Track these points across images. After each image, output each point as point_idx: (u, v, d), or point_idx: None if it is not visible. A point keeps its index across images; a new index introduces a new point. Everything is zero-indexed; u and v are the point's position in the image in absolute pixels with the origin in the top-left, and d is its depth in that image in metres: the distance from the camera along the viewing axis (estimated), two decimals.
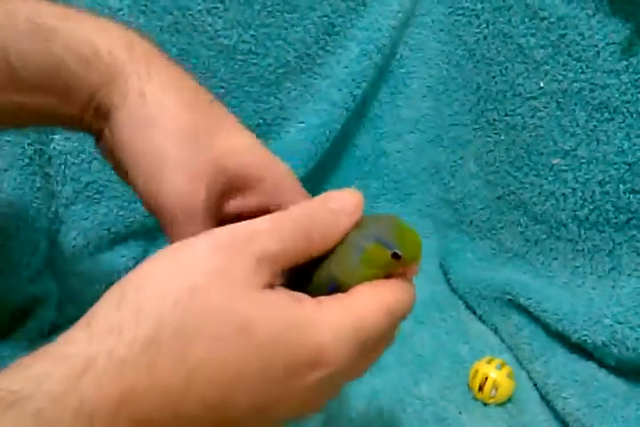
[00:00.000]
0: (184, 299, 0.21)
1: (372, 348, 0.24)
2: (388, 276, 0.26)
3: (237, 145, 0.29)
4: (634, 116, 0.46)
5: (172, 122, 0.27)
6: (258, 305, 0.22)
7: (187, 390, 0.21)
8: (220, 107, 0.30)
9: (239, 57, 0.55)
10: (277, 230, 0.23)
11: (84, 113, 0.28)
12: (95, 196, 0.52)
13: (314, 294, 0.25)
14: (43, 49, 0.27)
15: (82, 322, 0.21)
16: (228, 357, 0.21)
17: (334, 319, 0.23)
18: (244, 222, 0.23)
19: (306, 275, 0.27)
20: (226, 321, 0.21)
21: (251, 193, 0.29)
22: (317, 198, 0.26)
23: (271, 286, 0.23)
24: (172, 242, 0.28)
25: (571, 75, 0.48)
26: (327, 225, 0.25)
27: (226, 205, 0.29)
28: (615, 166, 0.48)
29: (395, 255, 0.26)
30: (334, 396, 0.25)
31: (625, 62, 0.46)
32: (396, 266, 0.26)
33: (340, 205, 0.25)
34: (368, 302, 0.24)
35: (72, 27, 0.28)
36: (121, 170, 0.29)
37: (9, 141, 0.46)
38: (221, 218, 0.29)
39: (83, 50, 0.27)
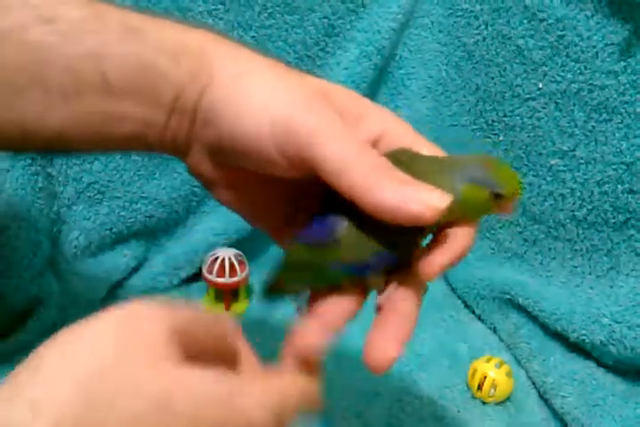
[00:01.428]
0: (92, 381, 0.19)
1: (282, 423, 0.24)
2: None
3: (333, 87, 0.28)
4: (632, 116, 0.46)
5: (268, 68, 0.27)
6: (177, 379, 0.20)
7: None
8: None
9: None
10: (188, 308, 0.23)
11: (172, 116, 0.27)
12: (97, 196, 0.52)
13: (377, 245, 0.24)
14: (134, 51, 0.26)
15: None
16: None
17: (260, 394, 0.22)
18: (145, 301, 0.22)
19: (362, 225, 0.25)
20: (143, 397, 0.19)
21: (360, 129, 0.27)
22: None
23: (189, 361, 0.21)
24: (355, 197, 0.24)
25: (569, 76, 0.49)
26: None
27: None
28: (613, 167, 0.48)
29: (496, 195, 0.25)
30: None
31: (623, 63, 0.46)
32: (496, 206, 0.25)
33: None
34: (291, 386, 0.24)
35: (160, 28, 0.27)
36: (223, 165, 0.28)
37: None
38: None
39: (172, 47, 0.27)
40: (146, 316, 0.21)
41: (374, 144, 0.27)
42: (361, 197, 0.24)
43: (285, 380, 0.24)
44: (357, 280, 0.26)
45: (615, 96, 0.47)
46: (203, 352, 0.23)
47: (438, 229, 0.26)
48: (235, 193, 0.29)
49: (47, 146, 0.28)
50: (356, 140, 0.25)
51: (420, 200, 0.23)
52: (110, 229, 0.53)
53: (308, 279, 0.27)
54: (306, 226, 0.26)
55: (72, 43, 0.26)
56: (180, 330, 0.21)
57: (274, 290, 0.28)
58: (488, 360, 0.47)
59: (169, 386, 0.20)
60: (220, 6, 0.53)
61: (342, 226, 0.25)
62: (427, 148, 0.28)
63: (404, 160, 0.26)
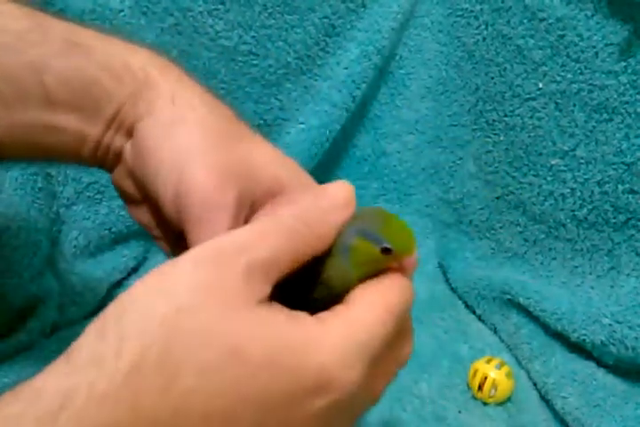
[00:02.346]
0: (168, 323, 0.19)
1: (385, 360, 0.23)
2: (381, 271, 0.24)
3: (266, 156, 0.28)
4: (632, 116, 0.46)
5: (199, 123, 0.27)
6: (250, 325, 0.20)
7: (175, 423, 0.19)
8: (243, 121, 0.29)
9: (240, 58, 0.55)
10: (266, 237, 0.22)
11: (107, 131, 0.28)
12: (96, 196, 0.52)
13: (307, 307, 0.23)
14: (77, 66, 0.26)
15: (64, 354, 0.20)
16: (220, 385, 0.19)
17: (338, 338, 0.21)
18: (229, 232, 0.22)
19: (295, 287, 0.24)
20: (215, 345, 0.19)
21: (276, 205, 0.27)
22: (307, 196, 0.25)
23: (265, 301, 0.21)
24: (189, 246, 0.26)
25: (569, 76, 0.49)
26: (319, 224, 0.23)
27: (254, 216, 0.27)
28: (614, 167, 0.48)
29: (385, 250, 0.23)
30: (351, 423, 0.23)
31: (623, 63, 0.46)
32: (388, 262, 0.24)
33: (331, 201, 0.24)
34: (368, 309, 0.22)
35: (106, 46, 0.28)
36: (139, 189, 0.28)
37: None
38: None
39: (116, 66, 0.27)
40: (223, 257, 0.21)
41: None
42: None
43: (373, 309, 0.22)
44: None
45: (615, 96, 0.47)
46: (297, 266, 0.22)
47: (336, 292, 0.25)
48: (146, 213, 0.30)
49: None
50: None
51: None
52: (109, 229, 0.53)
53: None
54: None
55: (13, 53, 0.26)
56: (262, 260, 0.21)
57: None
58: (488, 361, 0.47)
59: (242, 334, 0.20)
60: (220, 6, 0.53)
61: None
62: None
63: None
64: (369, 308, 0.22)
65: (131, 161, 0.28)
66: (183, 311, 0.19)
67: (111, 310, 0.20)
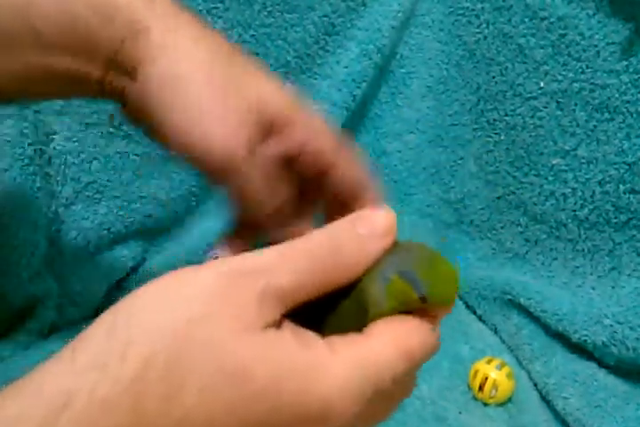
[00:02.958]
0: (178, 331, 0.19)
1: (388, 396, 0.22)
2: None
3: (267, 90, 0.28)
4: (634, 116, 0.46)
5: (202, 72, 0.26)
6: (258, 347, 0.19)
7: None
8: (243, 55, 0.29)
9: None
10: (292, 261, 0.21)
11: (108, 73, 0.27)
12: (95, 196, 0.52)
13: (332, 329, 0.22)
14: (63, 8, 0.26)
15: (68, 349, 0.19)
16: (223, 405, 0.19)
17: (347, 368, 0.20)
18: (256, 251, 0.21)
19: (323, 308, 0.23)
20: (222, 362, 0.19)
21: (283, 138, 0.27)
22: (344, 220, 0.23)
23: (277, 325, 0.20)
24: (229, 191, 0.26)
25: (571, 75, 0.48)
26: (353, 254, 0.22)
27: (263, 150, 0.27)
28: (615, 166, 0.48)
29: (422, 298, 0.22)
30: None
31: (625, 62, 0.46)
32: (423, 307, 0.22)
33: (371, 229, 0.22)
34: (386, 346, 0.21)
35: None
36: (153, 131, 0.27)
37: (9, 141, 0.46)
38: (261, 164, 0.27)
39: (102, 6, 0.26)
40: (246, 275, 0.20)
41: (296, 152, 0.28)
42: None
43: (387, 346, 0.21)
44: None
45: (617, 95, 0.47)
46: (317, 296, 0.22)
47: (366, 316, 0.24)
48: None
49: None
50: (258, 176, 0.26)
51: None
52: (108, 229, 0.53)
53: None
54: None
55: None
56: (281, 287, 0.20)
57: None
58: (489, 361, 0.47)
59: (249, 355, 0.19)
60: (219, 5, 0.52)
61: None
62: (348, 162, 0.29)
63: None
64: (387, 346, 0.21)
65: (139, 104, 0.27)
66: (195, 322, 0.19)
67: (122, 307, 0.20)
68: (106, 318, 0.20)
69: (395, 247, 0.23)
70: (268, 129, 0.27)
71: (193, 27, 0.27)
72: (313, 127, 0.28)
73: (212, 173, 0.26)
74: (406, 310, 0.23)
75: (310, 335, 0.21)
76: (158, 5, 0.27)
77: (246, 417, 0.19)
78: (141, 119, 0.28)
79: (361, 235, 0.22)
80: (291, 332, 0.21)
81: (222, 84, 0.26)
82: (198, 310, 0.19)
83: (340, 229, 0.22)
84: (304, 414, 0.20)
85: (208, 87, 0.26)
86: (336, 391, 0.20)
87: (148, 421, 0.18)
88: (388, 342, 0.21)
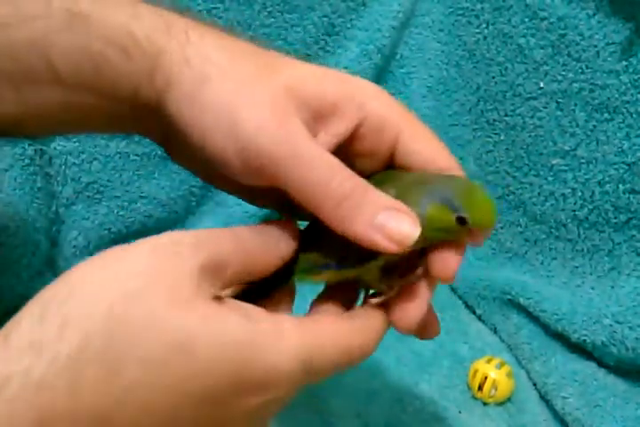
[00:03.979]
0: (116, 309, 0.19)
1: (314, 379, 0.23)
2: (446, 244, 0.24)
3: (300, 74, 0.25)
4: (634, 116, 0.46)
5: (224, 74, 0.24)
6: (202, 320, 0.19)
7: (116, 415, 0.18)
8: (276, 52, 0.27)
9: None
10: (230, 238, 0.22)
11: (135, 110, 0.26)
12: (96, 196, 0.52)
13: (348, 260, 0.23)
14: (82, 43, 0.24)
15: (1, 336, 0.19)
16: (163, 379, 0.19)
17: (293, 343, 0.21)
18: (193, 230, 0.21)
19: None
20: (162, 337, 0.19)
21: (335, 121, 0.25)
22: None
23: (218, 299, 0.21)
24: (289, 188, 0.24)
25: (571, 75, 0.48)
26: (267, 245, 0.23)
27: (321, 135, 0.25)
28: (615, 166, 0.48)
29: (460, 220, 0.23)
30: (273, 415, 0.23)
31: (625, 62, 0.46)
32: (460, 232, 0.23)
33: (278, 232, 0.24)
34: (331, 337, 0.22)
35: (106, 14, 0.25)
36: (197, 157, 0.26)
37: (9, 142, 0.46)
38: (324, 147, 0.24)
39: (121, 39, 0.24)
40: (178, 247, 0.20)
41: (356, 129, 0.26)
42: (331, 226, 0.23)
43: (332, 327, 0.23)
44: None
45: (617, 95, 0.47)
46: (240, 281, 0.22)
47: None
48: (218, 178, 0.28)
49: (5, 131, 0.27)
50: (327, 163, 0.23)
51: (388, 235, 0.23)
52: (109, 229, 0.53)
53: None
54: None
55: (14, 28, 0.24)
56: (217, 262, 0.21)
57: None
58: (489, 361, 0.47)
59: (190, 328, 0.19)
60: (219, 5, 0.52)
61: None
62: (415, 128, 0.27)
63: (385, 180, 0.25)
64: (331, 341, 0.22)
65: (175, 133, 0.26)
66: (131, 298, 0.19)
67: (53, 291, 0.20)
68: (38, 301, 0.19)
69: (432, 178, 0.24)
70: (317, 112, 0.25)
71: (215, 36, 0.26)
72: (368, 96, 0.26)
73: (269, 173, 0.24)
74: (447, 238, 0.23)
75: (256, 310, 0.21)
76: (175, 31, 0.26)
77: (188, 389, 0.19)
78: (184, 147, 0.26)
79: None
80: (233, 306, 0.21)
81: (250, 78, 0.24)
82: (134, 285, 0.19)
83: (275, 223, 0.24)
84: (246, 388, 0.20)
85: (235, 84, 0.24)
86: (284, 363, 0.20)
87: (87, 399, 0.18)
88: (334, 336, 0.22)
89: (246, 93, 0.24)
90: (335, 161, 0.24)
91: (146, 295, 0.19)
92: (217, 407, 0.20)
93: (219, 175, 0.27)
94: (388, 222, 0.23)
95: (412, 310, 0.25)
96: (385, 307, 0.25)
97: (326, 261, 0.25)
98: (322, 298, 0.28)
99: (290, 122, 0.24)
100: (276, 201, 0.28)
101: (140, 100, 0.25)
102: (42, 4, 0.24)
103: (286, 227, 0.24)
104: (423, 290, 0.25)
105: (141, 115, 0.26)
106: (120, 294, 0.19)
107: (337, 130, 0.25)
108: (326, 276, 0.26)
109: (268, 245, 0.23)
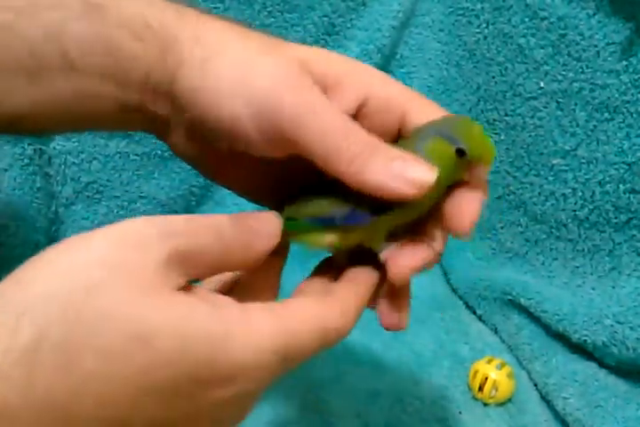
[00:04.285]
0: (75, 299, 0.18)
1: (289, 365, 0.22)
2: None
3: (307, 52, 0.26)
4: (634, 116, 0.46)
5: (239, 44, 0.25)
6: (164, 311, 0.19)
7: (74, 407, 0.18)
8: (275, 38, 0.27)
9: None
10: (211, 226, 0.21)
11: (144, 97, 0.26)
12: (95, 196, 0.52)
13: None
14: (96, 30, 0.25)
15: None
16: (123, 372, 0.18)
17: (259, 337, 0.20)
18: (158, 217, 0.21)
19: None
20: (122, 328, 0.18)
21: (338, 98, 0.25)
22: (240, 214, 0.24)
23: (186, 289, 0.20)
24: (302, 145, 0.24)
25: (571, 75, 0.48)
26: (247, 239, 0.22)
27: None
28: (615, 166, 0.48)
29: (459, 151, 0.23)
30: (253, 406, 0.22)
31: (625, 62, 0.46)
32: (460, 166, 0.24)
33: (261, 227, 0.23)
34: (304, 323, 0.21)
35: (121, 4, 0.25)
36: (206, 141, 0.26)
37: (9, 141, 0.46)
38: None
39: (135, 25, 0.25)
40: (144, 236, 0.20)
41: (359, 108, 0.26)
42: (348, 180, 0.23)
43: (305, 313, 0.22)
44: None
45: (617, 95, 0.47)
46: (216, 272, 0.22)
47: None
48: (222, 171, 0.28)
49: (15, 127, 0.27)
50: (342, 119, 0.24)
51: (405, 180, 0.23)
52: None
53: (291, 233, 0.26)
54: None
55: (30, 19, 0.24)
56: (184, 252, 0.20)
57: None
58: (489, 361, 0.47)
59: (154, 320, 0.18)
60: (219, 5, 0.52)
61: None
62: (421, 106, 0.27)
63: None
64: (305, 324, 0.22)
65: (182, 116, 0.26)
66: (91, 288, 0.18)
67: (12, 279, 0.19)
68: (1, 287, 0.19)
69: (432, 121, 0.24)
70: (323, 88, 0.25)
71: (225, 24, 0.26)
72: (372, 77, 0.26)
73: (287, 133, 0.23)
74: (447, 179, 0.24)
75: (225, 300, 0.21)
76: (187, 18, 0.26)
77: (148, 382, 0.19)
78: (191, 135, 0.26)
79: (253, 227, 0.23)
80: (202, 297, 0.20)
81: (263, 50, 0.25)
82: (95, 275, 0.19)
83: (239, 216, 0.23)
84: (211, 381, 0.19)
85: (249, 54, 0.25)
86: (251, 357, 0.20)
87: (43, 390, 0.18)
88: (307, 319, 0.21)
89: (260, 61, 0.24)
90: (349, 118, 0.24)
91: (107, 285, 0.19)
92: (180, 400, 0.19)
93: (223, 163, 0.27)
94: (405, 169, 0.23)
95: (410, 260, 0.25)
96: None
97: (333, 210, 0.25)
98: (309, 278, 0.27)
99: (305, 82, 0.24)
100: (275, 197, 0.28)
101: (151, 84, 0.25)
102: None
103: (271, 219, 0.24)
104: (424, 247, 0.25)
105: (151, 101, 0.26)
106: (80, 283, 0.18)
107: (340, 107, 0.25)
108: (329, 239, 0.25)
109: (249, 240, 0.23)
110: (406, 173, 0.23)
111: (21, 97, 0.25)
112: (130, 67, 0.25)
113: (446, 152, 0.24)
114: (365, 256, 0.26)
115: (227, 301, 0.21)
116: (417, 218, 0.25)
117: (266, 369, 0.20)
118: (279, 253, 0.25)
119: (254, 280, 0.26)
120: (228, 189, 0.29)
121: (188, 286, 0.20)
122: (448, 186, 0.25)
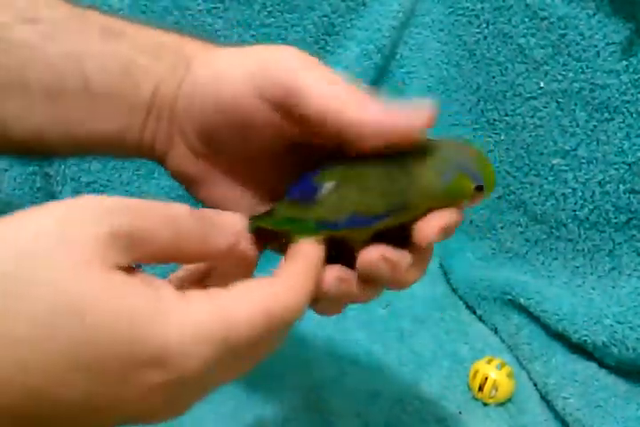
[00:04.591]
0: (8, 267, 0.18)
1: (244, 355, 0.22)
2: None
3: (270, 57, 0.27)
4: (634, 116, 0.46)
5: (234, 49, 0.27)
6: (99, 286, 0.19)
7: (1, 372, 0.18)
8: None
9: None
10: (165, 212, 0.22)
11: (149, 117, 0.27)
12: None
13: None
14: (114, 49, 0.27)
15: None
16: (52, 343, 0.18)
17: (194, 321, 0.20)
18: (113, 197, 0.21)
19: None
20: (53, 299, 0.18)
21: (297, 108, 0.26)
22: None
23: (127, 270, 0.20)
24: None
25: (571, 75, 0.48)
26: (205, 233, 0.23)
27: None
28: (615, 166, 0.48)
29: (478, 188, 0.25)
30: (194, 401, 0.22)
31: (625, 62, 0.46)
32: (473, 198, 0.26)
33: (223, 223, 0.23)
34: (243, 304, 0.21)
35: (139, 30, 0.28)
36: (202, 146, 0.27)
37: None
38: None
39: (152, 46, 0.27)
40: (88, 211, 0.20)
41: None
42: (349, 123, 0.24)
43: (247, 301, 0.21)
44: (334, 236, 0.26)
45: (617, 95, 0.47)
46: (169, 260, 0.22)
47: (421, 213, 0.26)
48: (219, 187, 0.29)
49: (26, 148, 0.28)
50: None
51: (406, 113, 0.24)
52: None
53: (289, 232, 0.26)
54: (295, 182, 0.27)
55: (53, 42, 0.26)
56: (128, 232, 0.20)
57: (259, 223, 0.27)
58: (489, 361, 0.47)
59: (88, 295, 0.19)
60: (219, 5, 0.52)
61: (326, 187, 0.25)
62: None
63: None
64: (247, 303, 0.21)
65: (190, 116, 0.27)
66: (27, 257, 0.18)
67: None
68: None
69: (440, 145, 0.26)
70: (279, 96, 0.25)
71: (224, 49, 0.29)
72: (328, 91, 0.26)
73: (290, 93, 0.25)
74: (452, 204, 0.26)
75: (165, 286, 0.21)
76: (202, 43, 0.29)
77: (78, 358, 0.18)
78: (197, 140, 0.28)
79: (215, 223, 0.23)
80: (141, 278, 0.20)
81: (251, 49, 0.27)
82: (33, 245, 0.19)
83: (202, 210, 0.23)
84: (137, 359, 0.19)
85: (247, 48, 0.27)
86: (177, 343, 0.19)
87: None
88: (247, 303, 0.21)
89: (259, 47, 0.27)
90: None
91: (43, 256, 0.19)
92: (110, 378, 0.19)
93: (222, 176, 0.28)
94: (402, 109, 0.24)
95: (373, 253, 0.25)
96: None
97: (337, 216, 0.25)
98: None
99: (300, 52, 0.27)
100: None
101: (159, 96, 0.27)
102: (79, 22, 0.27)
103: (235, 218, 0.24)
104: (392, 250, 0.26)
105: (154, 119, 0.28)
106: (12, 256, 0.19)
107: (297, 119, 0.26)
108: (320, 236, 0.26)
109: (208, 233, 0.23)
110: (406, 111, 0.24)
111: (38, 116, 0.26)
112: (142, 80, 0.27)
113: (468, 187, 0.26)
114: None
115: (166, 286, 0.21)
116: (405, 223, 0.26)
117: (201, 359, 0.20)
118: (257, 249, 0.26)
119: (225, 271, 0.26)
120: (209, 203, 0.30)
121: (130, 268, 0.20)
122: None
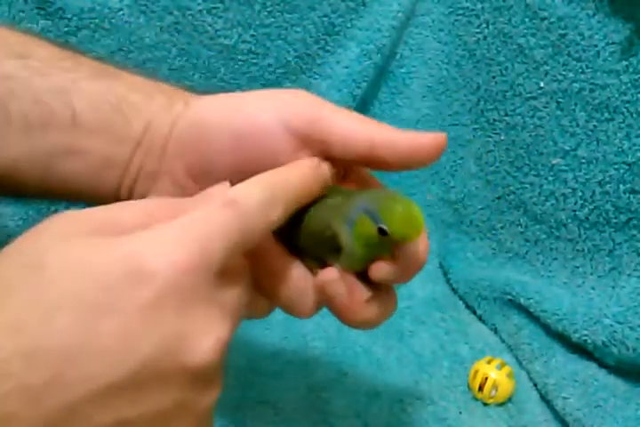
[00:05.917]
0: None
1: (228, 272, 0.22)
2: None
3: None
4: (634, 116, 0.46)
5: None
6: (65, 247, 0.20)
7: None
8: None
9: (239, 57, 0.55)
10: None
11: (137, 151, 0.27)
12: None
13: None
14: (107, 86, 0.27)
15: None
16: (25, 295, 0.19)
17: (159, 230, 0.20)
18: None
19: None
20: (18, 260, 0.20)
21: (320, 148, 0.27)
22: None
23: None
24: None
25: (571, 75, 0.48)
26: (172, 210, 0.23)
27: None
28: (615, 166, 0.48)
29: (380, 231, 0.23)
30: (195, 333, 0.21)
31: (625, 62, 0.46)
32: (383, 243, 0.24)
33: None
34: (214, 208, 0.22)
35: (130, 73, 0.29)
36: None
37: None
38: None
39: (146, 86, 0.28)
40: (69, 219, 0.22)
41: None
42: (381, 149, 0.26)
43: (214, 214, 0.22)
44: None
45: (617, 95, 0.47)
46: None
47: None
48: None
49: None
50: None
51: (429, 136, 0.26)
52: None
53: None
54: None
55: (42, 77, 0.26)
56: (106, 225, 0.21)
57: None
58: (489, 361, 0.47)
59: (47, 250, 0.20)
60: (219, 5, 0.52)
61: None
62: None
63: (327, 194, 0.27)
64: (214, 208, 0.22)
65: (186, 153, 0.27)
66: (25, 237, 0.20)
67: None
68: None
69: (365, 194, 0.25)
70: (305, 124, 0.27)
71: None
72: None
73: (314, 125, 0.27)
74: (376, 252, 0.25)
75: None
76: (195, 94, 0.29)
77: (54, 302, 0.19)
78: (188, 175, 0.28)
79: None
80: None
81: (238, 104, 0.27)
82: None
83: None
84: (113, 278, 0.19)
85: (258, 91, 0.28)
86: (146, 247, 0.20)
87: None
88: (207, 215, 0.21)
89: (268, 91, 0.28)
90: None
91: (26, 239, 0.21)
92: (98, 307, 0.19)
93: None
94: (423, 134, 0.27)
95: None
96: None
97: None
98: None
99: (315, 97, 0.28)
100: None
101: (150, 132, 0.27)
102: (70, 61, 0.27)
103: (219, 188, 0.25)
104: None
105: (142, 155, 0.28)
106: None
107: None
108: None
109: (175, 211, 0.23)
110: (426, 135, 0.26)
111: (16, 148, 0.26)
112: (134, 116, 0.27)
113: (370, 230, 0.24)
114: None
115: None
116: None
117: (171, 258, 0.20)
118: None
119: None
120: None
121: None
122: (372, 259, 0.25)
